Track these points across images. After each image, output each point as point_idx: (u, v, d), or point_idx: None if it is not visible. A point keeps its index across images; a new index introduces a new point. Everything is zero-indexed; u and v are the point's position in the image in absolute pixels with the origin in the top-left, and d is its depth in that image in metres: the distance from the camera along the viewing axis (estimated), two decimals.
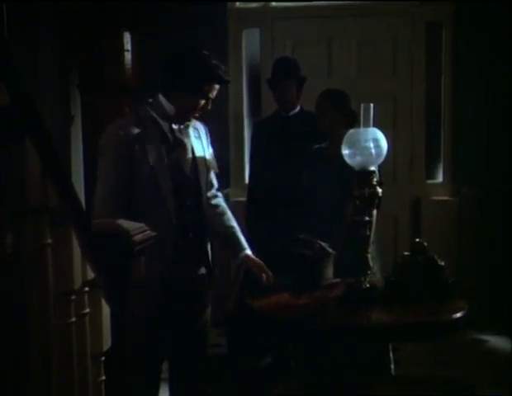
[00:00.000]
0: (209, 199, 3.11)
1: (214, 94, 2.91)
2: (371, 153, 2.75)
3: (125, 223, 1.99)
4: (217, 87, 2.90)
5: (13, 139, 1.48)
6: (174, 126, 2.93)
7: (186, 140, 2.97)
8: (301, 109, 4.36)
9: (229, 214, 3.18)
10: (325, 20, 5.73)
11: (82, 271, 1.79)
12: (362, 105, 2.80)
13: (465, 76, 5.54)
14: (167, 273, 2.85)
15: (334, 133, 3.66)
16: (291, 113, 4.33)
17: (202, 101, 2.89)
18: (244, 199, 4.64)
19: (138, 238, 1.97)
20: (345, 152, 2.80)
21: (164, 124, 2.91)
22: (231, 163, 5.70)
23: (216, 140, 3.24)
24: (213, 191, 3.16)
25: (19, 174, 1.50)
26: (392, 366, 3.37)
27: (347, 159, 2.80)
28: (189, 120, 2.97)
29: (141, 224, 2.05)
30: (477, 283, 5.27)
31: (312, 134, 4.08)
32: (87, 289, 1.84)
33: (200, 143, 3.05)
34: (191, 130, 3.01)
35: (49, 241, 1.60)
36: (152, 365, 2.89)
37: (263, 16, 5.84)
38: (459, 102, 5.61)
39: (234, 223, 3.15)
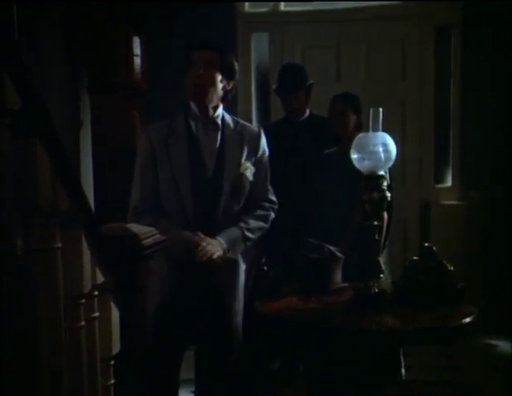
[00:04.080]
0: (244, 211, 3.05)
1: (200, 65, 2.89)
2: (380, 158, 2.74)
3: (135, 227, 1.99)
4: (201, 55, 2.89)
5: (24, 141, 1.48)
6: (201, 127, 2.97)
7: (212, 142, 2.97)
8: (311, 113, 4.34)
9: (255, 222, 3.08)
10: (334, 24, 5.73)
11: (91, 274, 1.80)
12: (371, 109, 2.79)
13: (474, 79, 5.53)
14: (181, 277, 2.87)
15: (349, 136, 3.63)
16: (301, 119, 4.31)
17: (193, 79, 2.90)
18: None
19: (147, 241, 1.97)
20: (354, 156, 2.80)
21: (193, 124, 2.97)
22: None
23: None
24: (253, 202, 3.08)
25: (29, 176, 1.50)
26: (403, 370, 3.35)
27: (356, 163, 2.80)
28: (204, 106, 2.95)
29: (151, 228, 2.06)
30: (486, 287, 5.25)
31: (322, 139, 4.08)
32: (96, 293, 1.84)
33: (238, 148, 3.00)
34: (230, 133, 3.00)
35: (59, 244, 1.60)
36: (167, 367, 2.90)
37: (272, 20, 5.85)
38: (468, 106, 5.60)
39: (242, 222, 3.03)
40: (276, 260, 3.62)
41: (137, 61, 5.02)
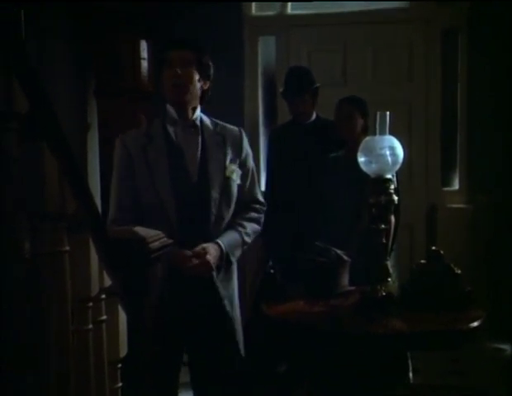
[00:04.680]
0: (237, 215, 2.97)
1: (177, 64, 2.82)
2: (387, 161, 2.74)
3: (142, 231, 1.99)
4: (178, 55, 2.84)
5: (32, 145, 1.49)
6: (181, 131, 2.90)
7: (193, 146, 2.89)
8: (317, 116, 4.35)
9: (251, 225, 3.00)
10: (341, 27, 5.73)
11: (99, 278, 1.80)
12: (377, 112, 2.79)
13: (480, 82, 5.51)
14: (167, 289, 2.81)
15: (356, 140, 3.63)
16: (307, 122, 4.31)
17: (171, 79, 2.84)
18: None
19: (154, 245, 1.97)
20: (361, 159, 2.79)
21: (171, 130, 2.90)
22: None
23: None
24: (244, 205, 3.00)
25: (37, 180, 1.51)
26: (411, 374, 3.35)
27: (363, 167, 2.80)
28: (184, 107, 2.89)
29: (158, 232, 2.06)
30: (493, 291, 5.23)
31: (328, 142, 4.08)
32: (104, 296, 1.84)
33: (220, 151, 2.91)
34: (210, 136, 2.92)
35: (67, 248, 1.60)
36: (169, 371, 2.87)
37: (278, 23, 5.85)
38: (475, 109, 5.59)
39: (240, 226, 2.96)
40: (282, 263, 3.62)
41: (144, 64, 5.03)
